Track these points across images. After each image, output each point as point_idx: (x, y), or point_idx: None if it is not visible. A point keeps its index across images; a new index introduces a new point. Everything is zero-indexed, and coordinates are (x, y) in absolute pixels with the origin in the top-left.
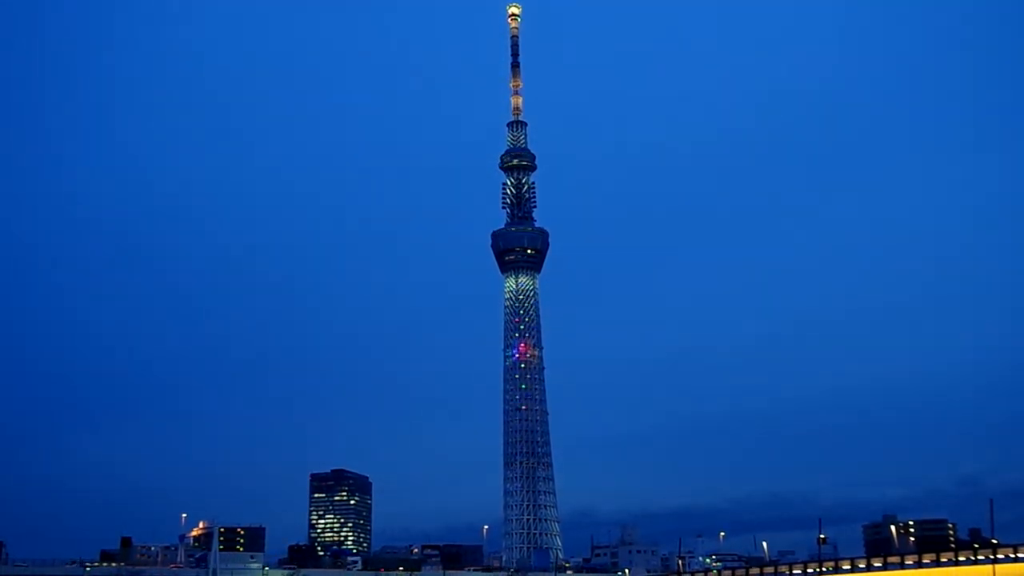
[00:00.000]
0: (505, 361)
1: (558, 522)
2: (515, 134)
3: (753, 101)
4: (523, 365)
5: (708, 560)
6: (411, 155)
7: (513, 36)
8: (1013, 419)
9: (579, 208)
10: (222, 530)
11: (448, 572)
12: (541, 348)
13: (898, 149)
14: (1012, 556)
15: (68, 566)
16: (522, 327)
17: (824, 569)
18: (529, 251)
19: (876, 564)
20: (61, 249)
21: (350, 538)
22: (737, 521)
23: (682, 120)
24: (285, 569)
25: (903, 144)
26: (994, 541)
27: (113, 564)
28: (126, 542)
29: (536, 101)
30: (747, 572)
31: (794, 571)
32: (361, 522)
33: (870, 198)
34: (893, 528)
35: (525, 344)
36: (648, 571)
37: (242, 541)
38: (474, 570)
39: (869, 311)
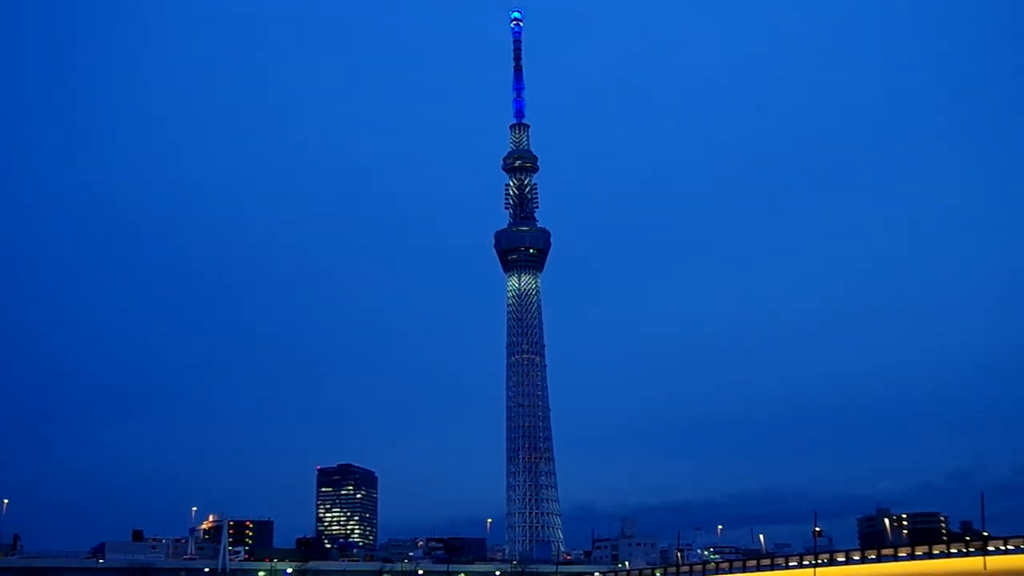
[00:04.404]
0: (508, 358)
1: (559, 516)
2: (517, 136)
3: (754, 101)
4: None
5: (706, 552)
6: (415, 156)
7: (516, 39)
8: (1000, 415)
9: (580, 208)
10: (231, 523)
11: (452, 565)
12: (543, 346)
13: (899, 148)
14: (1002, 548)
15: (87, 558)
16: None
17: (819, 561)
18: (531, 251)
19: (870, 556)
20: (82, 247)
21: (356, 531)
22: (734, 515)
23: (683, 120)
24: (294, 563)
25: (903, 143)
26: (985, 534)
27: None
28: (137, 535)
29: (538, 103)
30: (744, 564)
31: (790, 563)
32: (367, 516)
33: (863, 196)
34: (887, 521)
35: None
36: (647, 563)
37: (251, 534)
38: (478, 562)
39: (860, 310)
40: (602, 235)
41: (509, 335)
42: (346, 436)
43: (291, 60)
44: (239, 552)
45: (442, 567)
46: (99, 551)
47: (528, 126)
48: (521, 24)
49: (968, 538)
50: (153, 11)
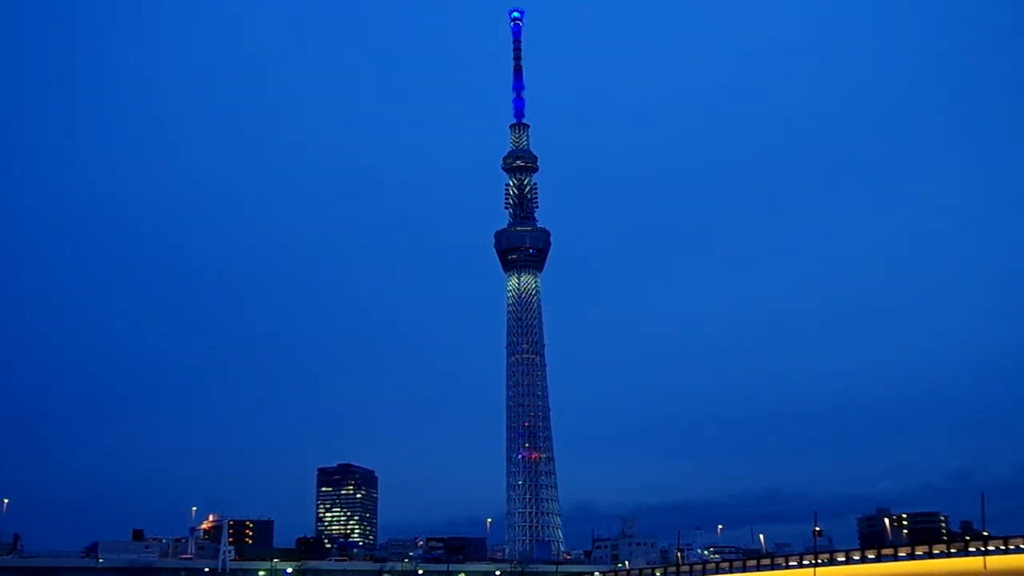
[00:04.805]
0: (508, 358)
1: (559, 515)
2: (517, 135)
3: (754, 101)
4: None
5: (706, 552)
6: (415, 156)
7: (515, 38)
8: (1000, 415)
9: (580, 208)
10: (231, 523)
11: (452, 564)
12: (543, 346)
13: (899, 148)
14: (1002, 548)
15: (81, 558)
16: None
17: (819, 561)
18: (531, 250)
19: (870, 556)
20: (82, 247)
21: (356, 531)
22: (734, 515)
23: (683, 120)
24: (294, 563)
25: (903, 143)
26: (985, 533)
27: None
28: (138, 534)
29: (538, 103)
30: (744, 564)
31: (790, 563)
32: (367, 515)
33: (863, 196)
34: (887, 521)
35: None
36: (647, 563)
37: (251, 534)
38: (469, 562)
39: (860, 310)
40: (602, 235)
41: (509, 335)
42: (346, 436)
43: (291, 60)
44: (228, 552)
45: (441, 567)
46: (92, 550)
47: (528, 126)
48: (521, 23)
49: (968, 538)
50: (153, 11)
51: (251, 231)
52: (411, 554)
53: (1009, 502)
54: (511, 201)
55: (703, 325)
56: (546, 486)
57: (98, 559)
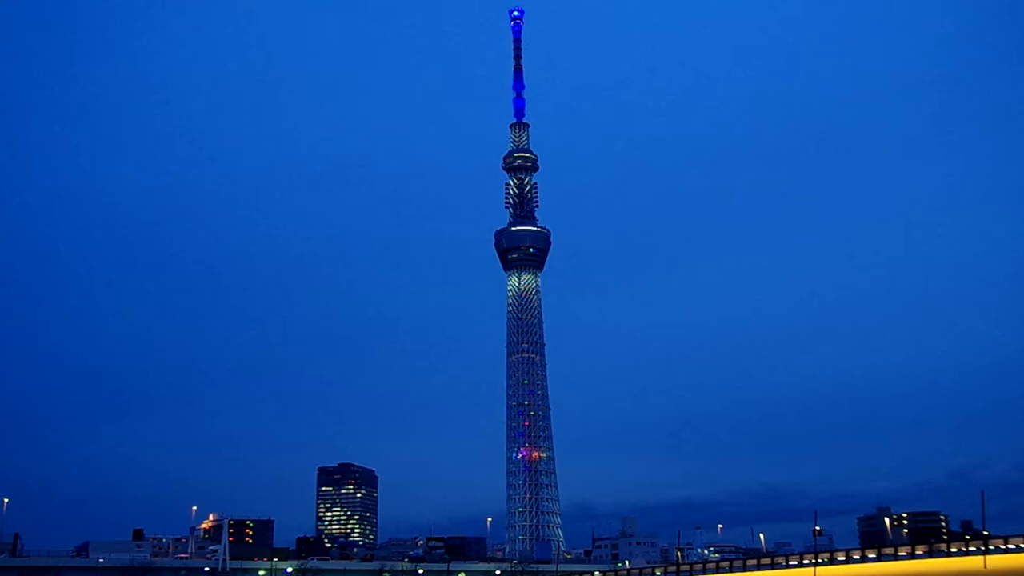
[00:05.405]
0: (508, 357)
1: (559, 515)
2: (518, 135)
3: (755, 101)
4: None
5: (706, 551)
6: (416, 156)
7: (516, 37)
8: (1000, 414)
9: (580, 207)
10: (232, 522)
11: (452, 564)
12: (543, 345)
13: (899, 148)
14: (1003, 547)
15: (72, 557)
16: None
17: (819, 560)
18: (531, 250)
19: (870, 555)
20: (82, 247)
21: (356, 530)
22: (734, 514)
23: (682, 120)
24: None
25: (903, 143)
26: (985, 532)
27: None
28: (138, 534)
29: (538, 102)
30: (744, 563)
31: (790, 562)
32: (367, 515)
33: (864, 196)
34: (887, 520)
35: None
36: (648, 562)
37: (251, 534)
38: (478, 562)
39: (861, 310)
40: (602, 235)
41: (509, 334)
42: (346, 436)
43: (291, 59)
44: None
45: (441, 566)
46: (83, 549)
47: (528, 125)
48: (521, 22)
49: (968, 537)
50: (153, 11)
51: (250, 231)
52: (411, 553)
53: (1010, 501)
54: (511, 200)
55: (703, 325)
56: (546, 485)
57: (98, 560)
